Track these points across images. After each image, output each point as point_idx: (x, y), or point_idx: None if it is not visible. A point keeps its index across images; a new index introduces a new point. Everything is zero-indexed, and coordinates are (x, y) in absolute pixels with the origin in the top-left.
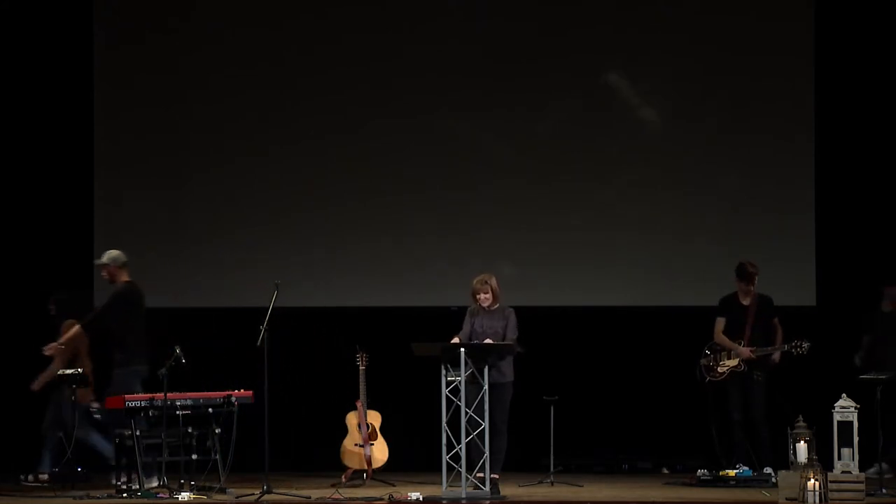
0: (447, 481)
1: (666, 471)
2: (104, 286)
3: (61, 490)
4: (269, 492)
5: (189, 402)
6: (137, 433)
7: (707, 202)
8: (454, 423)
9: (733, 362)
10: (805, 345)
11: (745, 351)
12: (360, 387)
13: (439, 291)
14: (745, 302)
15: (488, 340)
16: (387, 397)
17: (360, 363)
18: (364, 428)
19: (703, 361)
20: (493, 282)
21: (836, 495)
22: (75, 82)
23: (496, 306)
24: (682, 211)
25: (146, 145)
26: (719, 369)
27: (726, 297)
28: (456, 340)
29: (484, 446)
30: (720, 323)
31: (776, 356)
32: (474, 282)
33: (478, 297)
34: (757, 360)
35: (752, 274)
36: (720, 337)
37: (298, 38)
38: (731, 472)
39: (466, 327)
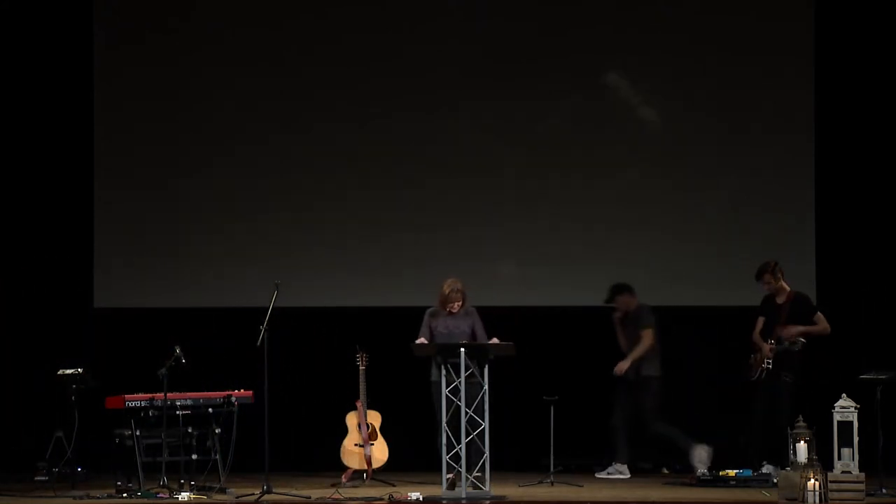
0: (446, 482)
1: (666, 471)
2: (103, 286)
3: (61, 490)
4: (269, 492)
5: (189, 402)
6: (137, 433)
7: (707, 202)
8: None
9: (762, 361)
10: (800, 340)
11: (766, 347)
12: (360, 387)
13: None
14: (780, 300)
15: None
16: (387, 397)
17: (360, 363)
18: (364, 428)
19: (750, 360)
20: (462, 286)
21: (836, 495)
22: (75, 82)
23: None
24: (682, 211)
25: (146, 145)
26: (754, 368)
27: (766, 296)
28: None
29: (484, 446)
30: (759, 322)
31: (797, 348)
32: (446, 291)
33: (449, 306)
34: (784, 359)
35: (760, 272)
36: (755, 335)
37: (298, 39)
38: (731, 472)
39: (425, 329)
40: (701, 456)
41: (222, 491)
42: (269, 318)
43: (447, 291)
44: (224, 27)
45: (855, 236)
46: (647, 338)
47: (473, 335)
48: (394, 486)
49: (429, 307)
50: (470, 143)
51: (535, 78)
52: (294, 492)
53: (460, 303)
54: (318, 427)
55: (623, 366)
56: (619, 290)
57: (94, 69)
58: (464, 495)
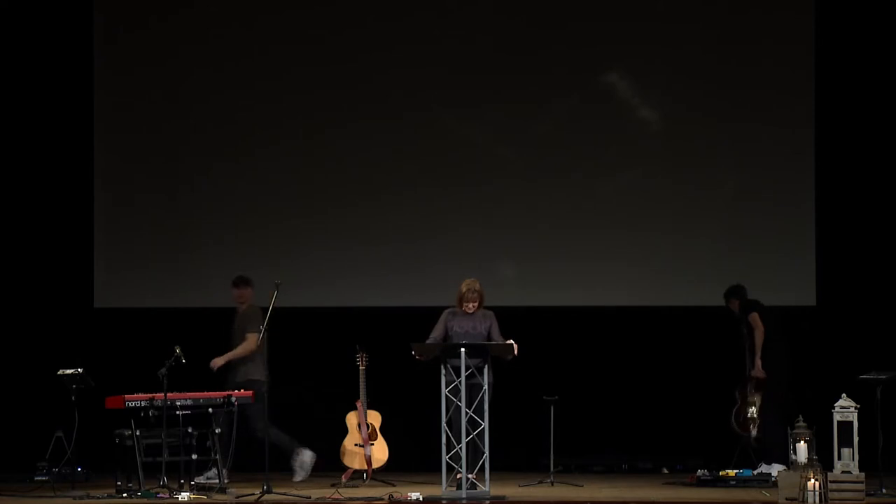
0: (446, 481)
1: (666, 471)
2: (104, 286)
3: (61, 490)
4: (269, 492)
5: (189, 402)
6: (137, 433)
7: (707, 202)
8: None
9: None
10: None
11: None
12: (360, 387)
13: (439, 291)
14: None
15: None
16: (387, 397)
17: (360, 363)
18: (364, 428)
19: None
20: (480, 287)
21: (836, 495)
22: (75, 82)
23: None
24: (682, 211)
25: (146, 145)
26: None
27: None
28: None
29: (484, 446)
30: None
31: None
32: (463, 290)
33: (465, 305)
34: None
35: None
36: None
37: (298, 37)
38: (731, 472)
39: (440, 328)
40: (303, 461)
41: (222, 491)
42: (269, 318)
43: (464, 290)
44: (224, 27)
45: (855, 236)
46: (252, 342)
47: (489, 338)
48: (394, 486)
49: (429, 307)
50: (470, 143)
51: (534, 77)
52: (294, 492)
53: (476, 303)
54: (318, 427)
55: (218, 361)
56: (244, 281)
57: (94, 69)
58: (464, 495)
